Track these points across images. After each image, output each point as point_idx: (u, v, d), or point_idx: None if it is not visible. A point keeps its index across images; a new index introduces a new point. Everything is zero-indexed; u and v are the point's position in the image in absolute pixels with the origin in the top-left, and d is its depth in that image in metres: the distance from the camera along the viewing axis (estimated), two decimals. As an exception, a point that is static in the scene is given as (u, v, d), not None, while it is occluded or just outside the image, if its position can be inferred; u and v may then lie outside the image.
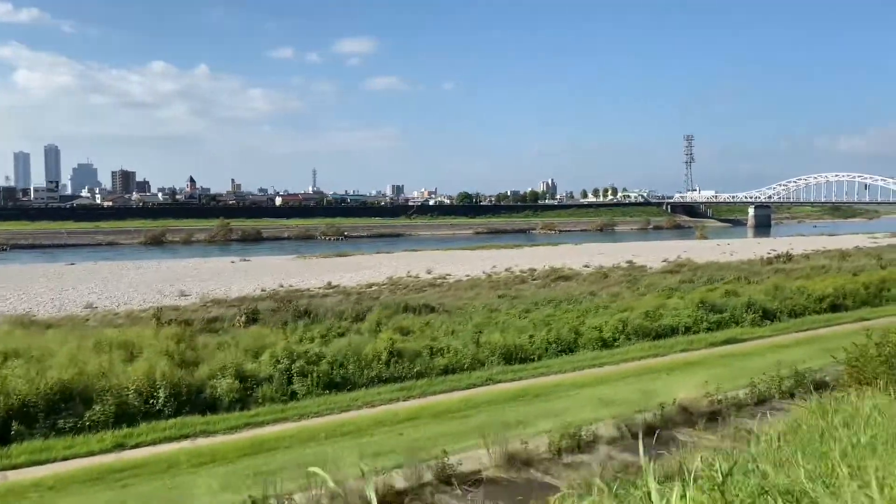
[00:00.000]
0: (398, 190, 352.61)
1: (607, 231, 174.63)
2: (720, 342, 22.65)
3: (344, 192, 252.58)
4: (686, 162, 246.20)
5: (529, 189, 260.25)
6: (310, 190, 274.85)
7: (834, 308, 29.49)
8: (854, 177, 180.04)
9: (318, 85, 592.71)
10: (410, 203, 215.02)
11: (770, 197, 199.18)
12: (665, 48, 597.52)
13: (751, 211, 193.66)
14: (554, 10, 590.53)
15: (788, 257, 65.96)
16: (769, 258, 63.84)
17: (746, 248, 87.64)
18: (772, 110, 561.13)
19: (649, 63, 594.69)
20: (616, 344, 22.78)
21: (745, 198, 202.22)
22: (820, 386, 12.41)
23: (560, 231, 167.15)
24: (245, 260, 72.34)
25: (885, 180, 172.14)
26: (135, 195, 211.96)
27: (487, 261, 69.63)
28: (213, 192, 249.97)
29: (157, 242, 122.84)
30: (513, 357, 20.25)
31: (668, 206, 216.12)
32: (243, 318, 30.94)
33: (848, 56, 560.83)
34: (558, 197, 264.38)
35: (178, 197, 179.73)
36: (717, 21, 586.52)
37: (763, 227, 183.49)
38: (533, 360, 20.40)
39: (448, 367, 18.87)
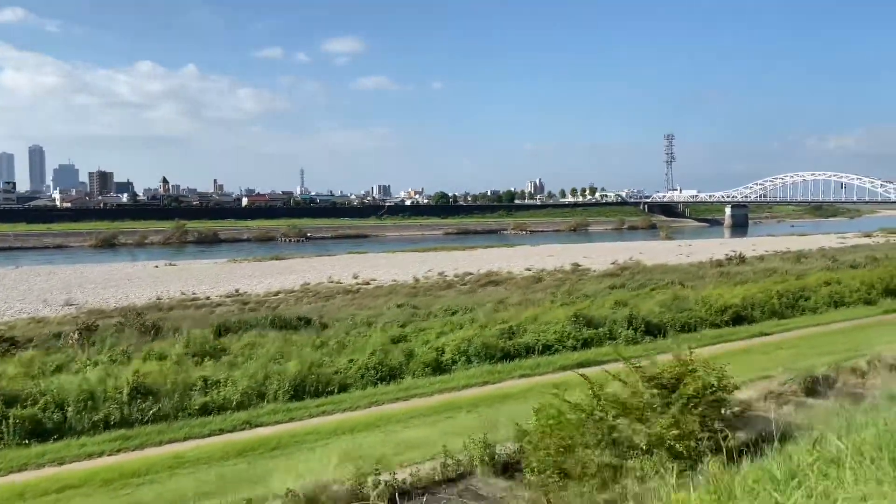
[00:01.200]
0: (384, 189, 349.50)
1: (581, 231, 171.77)
2: (573, 365, 19.27)
3: (328, 192, 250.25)
4: (667, 161, 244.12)
5: (510, 189, 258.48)
6: (297, 190, 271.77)
7: (738, 320, 26.21)
8: (830, 176, 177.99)
9: (306, 85, 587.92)
10: (388, 203, 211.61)
11: (747, 196, 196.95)
12: (655, 48, 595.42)
13: (727, 210, 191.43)
14: (543, 8, 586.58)
15: (741, 259, 63.15)
16: (719, 261, 60.92)
17: (707, 249, 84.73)
18: (762, 110, 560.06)
19: (638, 63, 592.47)
20: (454, 368, 19.45)
21: (722, 197, 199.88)
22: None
23: (531, 231, 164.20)
24: (171, 264, 68.60)
25: (860, 179, 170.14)
26: (108, 196, 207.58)
27: (429, 264, 66.41)
28: (199, 192, 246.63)
29: (108, 245, 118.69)
30: (306, 389, 16.85)
31: (646, 206, 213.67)
32: (77, 335, 27.50)
33: (836, 56, 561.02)
34: (538, 197, 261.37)
35: (138, 198, 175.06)
36: (708, 23, 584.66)
37: (740, 226, 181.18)
38: (331, 392, 17.02)
39: (210, 406, 15.45)
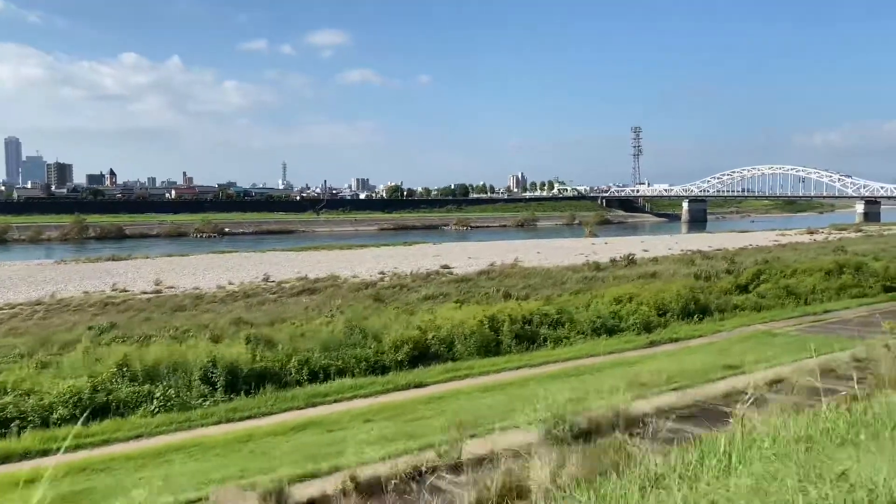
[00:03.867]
0: (363, 183, 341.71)
1: (528, 227, 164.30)
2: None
3: (304, 185, 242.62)
4: (634, 155, 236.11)
5: (476, 183, 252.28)
6: (279, 184, 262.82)
7: (417, 360, 18.66)
8: (789, 170, 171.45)
9: (292, 78, 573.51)
10: (341, 196, 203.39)
11: (706, 191, 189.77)
12: (648, 43, 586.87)
13: (685, 205, 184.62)
14: (531, 3, 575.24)
15: (630, 261, 56.03)
16: (597, 264, 53.58)
17: (617, 248, 77.48)
18: (751, 105, 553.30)
19: (625, 58, 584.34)
20: None
21: (680, 191, 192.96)
22: None
23: (472, 227, 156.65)
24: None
25: (818, 173, 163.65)
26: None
27: (285, 266, 58.57)
28: (177, 185, 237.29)
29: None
30: None
31: (604, 201, 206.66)
32: None
33: (821, 52, 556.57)
34: (500, 191, 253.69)
35: (53, 191, 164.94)
36: (697, 18, 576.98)
37: (698, 221, 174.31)
38: None
39: None
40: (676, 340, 21.75)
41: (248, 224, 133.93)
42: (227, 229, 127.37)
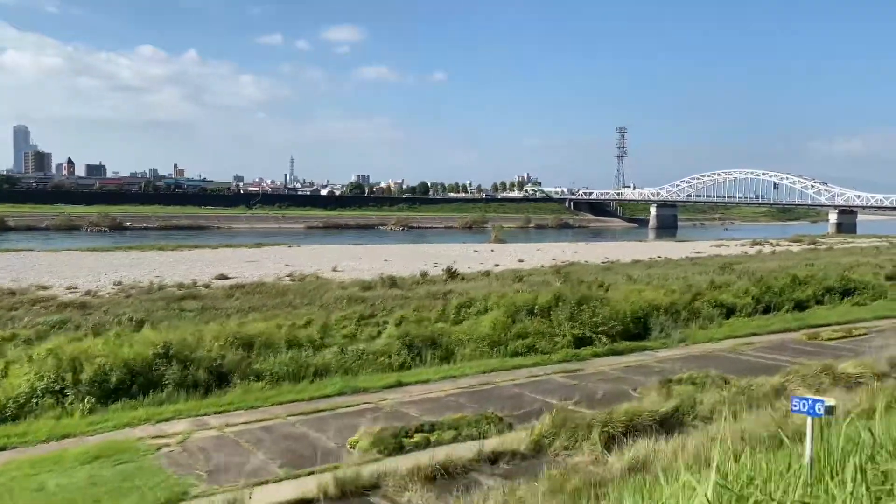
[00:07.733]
0: (363, 179, 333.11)
1: (477, 229, 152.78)
2: None
3: (306, 181, 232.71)
4: (618, 157, 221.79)
5: (461, 181, 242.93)
6: (287, 178, 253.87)
7: None
8: (762, 174, 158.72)
9: (308, 73, 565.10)
10: (302, 191, 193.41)
11: (677, 195, 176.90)
12: (658, 45, 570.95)
13: (652, 210, 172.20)
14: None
15: (452, 275, 45.16)
16: (392, 279, 42.44)
17: (500, 256, 66.64)
18: (769, 110, 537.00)
19: (628, 61, 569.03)
20: None
21: (649, 195, 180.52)
22: None
23: (414, 228, 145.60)
24: None
25: (790, 178, 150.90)
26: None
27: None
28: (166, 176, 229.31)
29: None
30: None
31: (572, 203, 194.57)
32: None
33: (823, 58, 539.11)
34: (472, 190, 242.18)
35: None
36: (716, 22, 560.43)
37: (667, 227, 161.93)
38: None
39: None
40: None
41: (155, 218, 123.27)
42: (128, 223, 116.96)
